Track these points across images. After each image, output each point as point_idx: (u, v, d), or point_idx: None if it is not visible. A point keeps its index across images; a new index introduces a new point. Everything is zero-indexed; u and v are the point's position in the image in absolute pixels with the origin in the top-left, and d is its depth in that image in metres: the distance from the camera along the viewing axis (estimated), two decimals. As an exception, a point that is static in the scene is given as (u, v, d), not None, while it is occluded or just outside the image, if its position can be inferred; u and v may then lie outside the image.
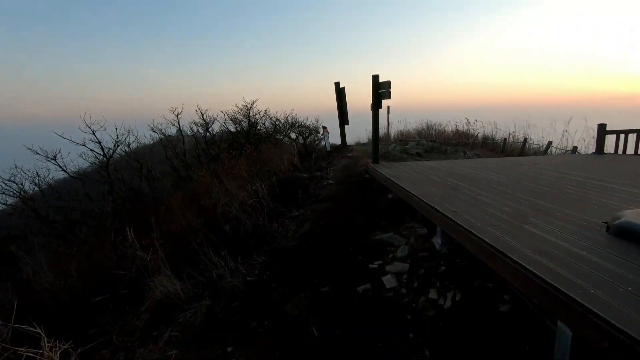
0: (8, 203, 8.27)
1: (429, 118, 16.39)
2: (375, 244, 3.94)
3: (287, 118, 12.45)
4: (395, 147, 10.01)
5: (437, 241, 3.63)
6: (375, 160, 7.19)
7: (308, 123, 12.47)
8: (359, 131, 16.18)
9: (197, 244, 4.24)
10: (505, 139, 11.36)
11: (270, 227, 5.18)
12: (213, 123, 11.51)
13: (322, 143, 11.54)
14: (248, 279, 3.82)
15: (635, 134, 7.42)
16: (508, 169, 5.86)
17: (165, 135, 11.41)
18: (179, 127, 11.02)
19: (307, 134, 12.52)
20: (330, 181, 7.18)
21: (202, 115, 11.21)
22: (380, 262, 3.55)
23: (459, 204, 3.67)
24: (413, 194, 4.21)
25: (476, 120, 14.23)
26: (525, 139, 10.52)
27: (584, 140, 10.45)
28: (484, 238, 2.65)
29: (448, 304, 2.75)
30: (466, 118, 14.40)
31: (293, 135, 12.37)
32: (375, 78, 6.97)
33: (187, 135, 11.30)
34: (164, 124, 11.03)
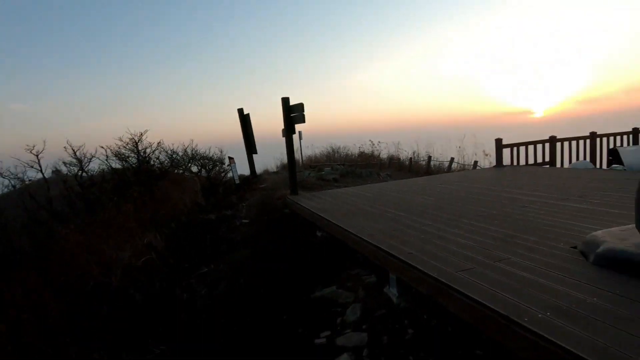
0: None
1: (333, 142, 16.41)
2: (316, 305, 3.06)
3: (186, 150, 10.98)
4: (309, 174, 9.43)
5: (392, 292, 2.92)
6: (294, 192, 6.40)
7: (211, 154, 11.18)
8: (267, 159, 15.40)
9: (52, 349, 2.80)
10: (411, 158, 11.75)
11: (171, 294, 3.90)
12: (90, 161, 9.43)
13: (230, 175, 10.39)
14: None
15: (524, 147, 8.12)
16: (434, 190, 5.63)
17: (21, 181, 8.91)
18: (41, 169, 8.69)
19: (210, 166, 11.19)
20: (244, 220, 6.12)
21: (75, 152, 9.08)
22: (327, 333, 2.68)
23: (409, 240, 3.06)
24: (350, 232, 3.49)
25: (379, 142, 14.71)
26: (430, 157, 10.99)
27: (475, 155, 11.41)
28: (471, 295, 2.00)
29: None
30: (370, 140, 14.79)
31: (195, 169, 10.92)
32: (286, 101, 6.29)
33: (52, 177, 8.99)
34: (18, 166, 8.59)
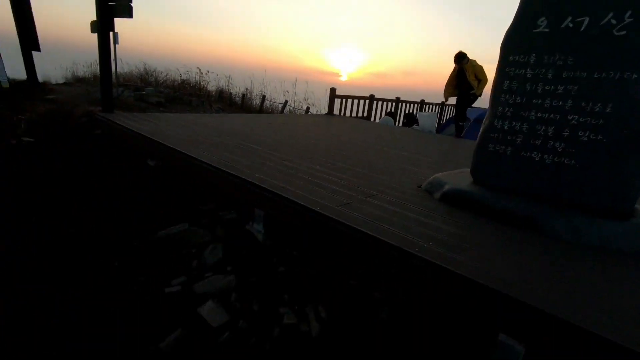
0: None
1: (146, 62, 13.77)
2: (161, 247, 2.46)
3: None
4: (123, 91, 7.59)
5: (256, 229, 2.64)
6: (108, 109, 4.97)
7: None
8: (48, 66, 11.56)
9: None
10: (244, 94, 11.20)
11: None
12: None
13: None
14: None
15: (351, 100, 8.96)
16: (279, 127, 5.46)
17: None
18: None
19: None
20: (25, 138, 4.36)
21: None
22: (182, 279, 2.18)
23: (275, 174, 2.80)
24: (205, 162, 2.93)
25: (208, 72, 13.30)
26: (264, 96, 10.74)
27: (306, 101, 11.96)
28: (359, 228, 1.94)
29: (316, 328, 1.91)
30: (198, 67, 13.19)
31: None
32: (102, -18, 4.59)
33: None
34: None
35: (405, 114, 10.77)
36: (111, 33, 5.52)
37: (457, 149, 5.40)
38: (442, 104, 11.43)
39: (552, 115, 2.25)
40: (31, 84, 7.56)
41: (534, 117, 2.32)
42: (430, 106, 11.56)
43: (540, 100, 2.29)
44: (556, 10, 2.20)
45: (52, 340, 1.72)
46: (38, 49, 7.59)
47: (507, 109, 2.43)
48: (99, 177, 3.48)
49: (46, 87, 7.70)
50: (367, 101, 9.44)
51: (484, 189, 2.51)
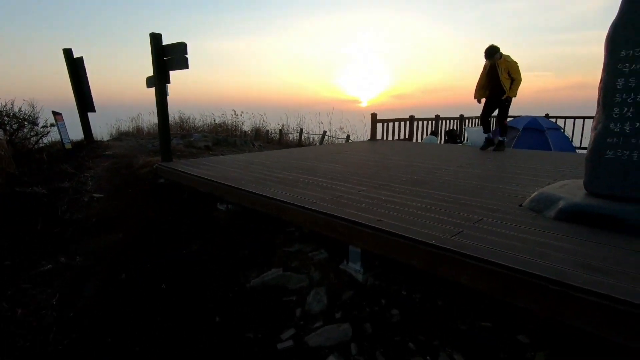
0: None
1: (181, 110, 14.36)
2: (258, 297, 2.30)
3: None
4: (172, 140, 7.84)
5: (353, 268, 2.44)
6: (167, 158, 5.07)
7: (14, 110, 7.90)
8: (97, 123, 12.36)
9: None
10: (281, 130, 11.36)
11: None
12: None
13: (50, 138, 7.71)
14: None
15: (392, 123, 8.82)
16: (333, 158, 5.35)
17: None
18: None
19: (14, 126, 7.98)
20: (96, 195, 4.48)
21: None
22: (291, 332, 2.00)
23: (362, 207, 2.63)
24: (283, 201, 2.81)
25: (243, 113, 13.72)
26: (302, 130, 10.84)
27: (341, 130, 11.96)
28: (486, 258, 1.70)
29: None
30: (233, 109, 13.65)
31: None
32: (157, 38, 4.82)
33: None
34: None
35: (446, 131, 10.48)
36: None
37: (520, 160, 5.04)
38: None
39: (690, 110, 1.96)
40: (89, 142, 8.01)
41: (664, 115, 2.04)
42: (471, 120, 11.22)
43: (670, 95, 2.01)
44: (676, -6, 1.97)
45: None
46: (93, 110, 8.10)
47: (626, 109, 2.16)
48: (173, 225, 3.45)
49: (102, 144, 8.12)
50: (408, 122, 9.26)
51: (610, 202, 2.20)
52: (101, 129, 12.44)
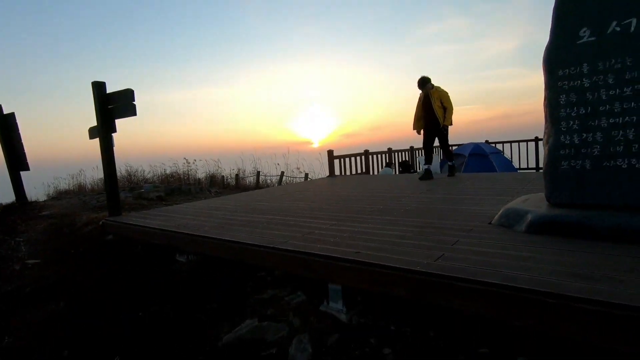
0: None
1: (128, 163, 13.62)
2: (235, 354, 2.02)
3: None
4: (120, 192, 7.29)
5: (334, 307, 2.26)
6: (115, 212, 4.64)
7: None
8: (35, 183, 11.30)
9: None
10: (237, 174, 11.11)
11: None
12: None
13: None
14: None
15: (348, 158, 8.98)
16: (296, 197, 5.23)
17: None
18: None
19: None
20: (29, 261, 3.92)
21: None
22: (276, 391, 1.74)
23: (336, 241, 2.51)
24: (252, 245, 2.61)
25: (195, 161, 13.33)
26: (259, 172, 10.68)
27: (298, 169, 11.97)
28: (486, 280, 1.64)
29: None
30: (185, 158, 13.22)
31: None
32: (99, 87, 4.57)
33: None
34: None
35: (400, 163, 10.88)
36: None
37: (474, 182, 5.27)
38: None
39: (627, 118, 2.13)
40: (21, 204, 7.21)
41: (606, 125, 2.21)
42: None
43: (608, 106, 2.19)
44: (596, 19, 2.21)
45: None
46: (27, 169, 7.38)
47: (571, 122, 2.32)
48: (125, 286, 3.06)
49: (38, 204, 7.35)
50: (363, 157, 9.50)
51: (574, 210, 2.29)
52: (37, 190, 11.35)
